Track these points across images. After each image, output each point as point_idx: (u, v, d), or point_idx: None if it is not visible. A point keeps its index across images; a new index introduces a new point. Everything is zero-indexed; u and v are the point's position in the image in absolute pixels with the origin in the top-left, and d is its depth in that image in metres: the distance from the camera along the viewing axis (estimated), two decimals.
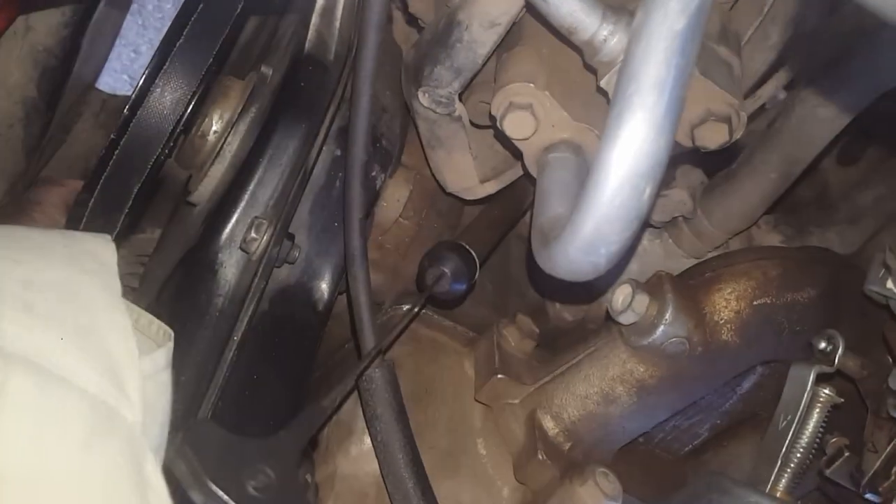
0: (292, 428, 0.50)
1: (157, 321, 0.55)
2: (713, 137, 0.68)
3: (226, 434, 0.46)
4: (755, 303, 0.75)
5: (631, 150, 0.52)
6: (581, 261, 0.58)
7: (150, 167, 0.66)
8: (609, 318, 0.77)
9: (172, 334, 0.55)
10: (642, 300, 0.73)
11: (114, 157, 0.65)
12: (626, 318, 0.74)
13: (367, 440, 0.76)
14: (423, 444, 0.74)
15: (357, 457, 0.78)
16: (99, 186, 0.66)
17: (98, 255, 0.52)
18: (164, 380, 0.53)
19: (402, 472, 0.71)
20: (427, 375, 0.84)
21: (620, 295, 0.74)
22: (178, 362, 0.69)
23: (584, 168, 0.72)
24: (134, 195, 0.67)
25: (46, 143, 1.12)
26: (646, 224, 0.56)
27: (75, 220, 0.69)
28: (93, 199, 0.67)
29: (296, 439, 0.49)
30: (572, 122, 0.72)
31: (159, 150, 0.67)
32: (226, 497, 0.42)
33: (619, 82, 0.52)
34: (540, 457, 0.75)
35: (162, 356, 0.52)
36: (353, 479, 0.77)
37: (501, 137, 0.80)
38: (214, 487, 0.42)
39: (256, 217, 0.74)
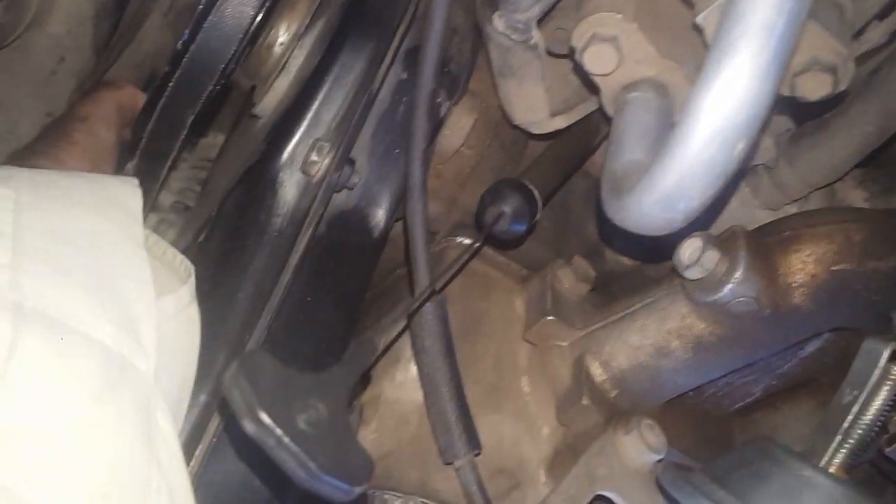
0: (345, 363, 0.50)
1: (180, 256, 0.55)
2: (815, 88, 0.63)
3: (280, 366, 0.45)
4: (833, 268, 0.71)
5: (728, 98, 0.48)
6: (655, 216, 0.55)
7: (215, 82, 0.64)
8: (673, 270, 0.74)
9: (193, 269, 0.55)
10: (712, 256, 0.69)
11: (179, 70, 0.64)
12: (692, 273, 0.71)
13: (413, 368, 0.77)
14: (468, 378, 0.74)
15: (402, 383, 0.78)
16: (161, 103, 0.65)
17: (124, 202, 0.52)
18: (192, 314, 0.53)
19: (445, 405, 0.71)
20: (477, 310, 0.83)
21: (689, 248, 0.71)
22: (237, 278, 0.70)
23: (667, 111, 0.68)
24: (199, 110, 0.66)
25: (115, 43, 1.11)
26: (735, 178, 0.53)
27: (138, 128, 0.69)
28: (154, 116, 0.66)
29: (348, 375, 0.49)
30: (659, 59, 0.68)
31: (225, 64, 0.64)
32: (278, 430, 0.42)
33: (723, 23, 0.48)
34: (584, 402, 0.74)
35: (186, 293, 0.52)
36: (396, 404, 0.78)
37: (579, 70, 0.75)
38: (266, 419, 0.42)
39: (318, 139, 0.72)
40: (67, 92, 1.08)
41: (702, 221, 0.59)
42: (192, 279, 0.54)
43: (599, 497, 0.69)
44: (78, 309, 0.43)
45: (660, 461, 0.71)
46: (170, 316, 0.50)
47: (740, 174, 0.82)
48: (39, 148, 0.79)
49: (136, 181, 0.54)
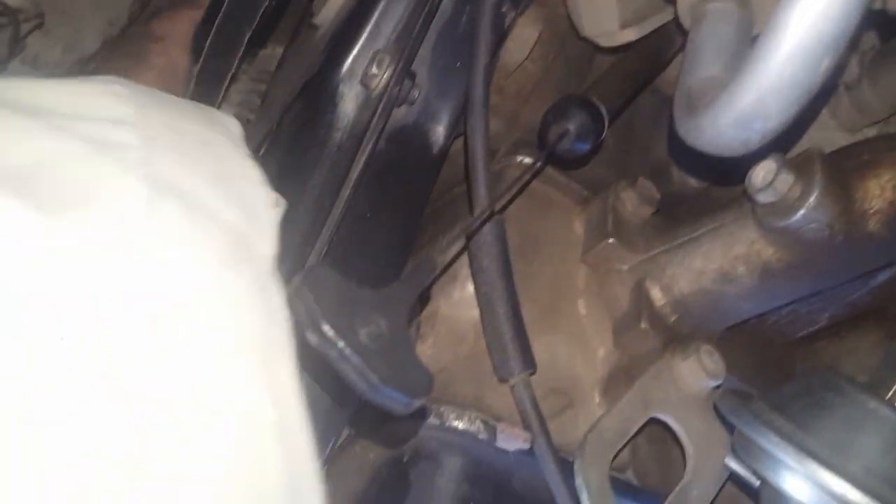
0: (404, 281, 0.50)
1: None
2: None
3: (342, 280, 0.46)
4: None
5: (815, 11, 0.45)
6: (731, 136, 0.52)
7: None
8: (743, 194, 0.71)
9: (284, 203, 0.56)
10: (786, 179, 0.66)
11: None
12: (763, 197, 0.68)
13: (470, 287, 0.77)
14: (524, 297, 0.74)
15: (458, 301, 0.79)
16: (218, 21, 0.64)
17: (226, 124, 0.53)
18: None
19: (501, 324, 0.71)
20: (535, 230, 0.82)
21: (762, 171, 0.68)
22: (297, 193, 0.71)
23: (748, 24, 0.64)
24: (258, 17, 0.65)
25: None
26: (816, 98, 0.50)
27: (198, 40, 0.68)
28: (212, 33, 0.65)
29: (408, 292, 0.49)
30: None
31: None
32: (340, 342, 0.43)
33: None
34: (643, 326, 0.73)
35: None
36: (453, 321, 0.78)
37: None
38: (329, 331, 0.43)
39: (378, 51, 0.70)
40: (128, 0, 1.08)
41: (777, 143, 0.56)
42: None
43: (655, 421, 0.69)
44: (205, 190, 0.45)
45: (718, 388, 0.70)
46: None
47: (823, 94, 0.78)
48: (116, 65, 0.80)
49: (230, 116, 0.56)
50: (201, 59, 0.69)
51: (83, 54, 1.03)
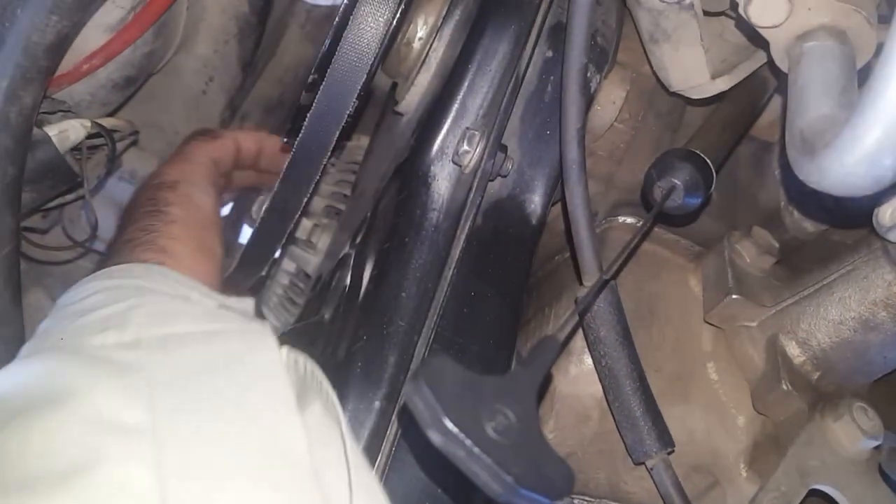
0: (527, 363, 0.47)
1: (307, 361, 0.53)
2: None
3: (461, 370, 0.43)
4: None
5: None
6: (860, 174, 0.48)
7: (362, 86, 0.64)
8: (871, 233, 0.66)
9: (327, 387, 0.53)
10: None
11: (323, 81, 0.64)
12: (895, 236, 0.63)
13: (587, 360, 0.73)
14: (647, 367, 0.69)
15: (577, 377, 0.75)
16: (311, 110, 0.65)
17: (269, 376, 0.50)
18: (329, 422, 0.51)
19: (629, 398, 0.67)
20: (649, 293, 0.78)
21: (890, 207, 0.63)
22: (399, 278, 0.70)
23: (850, 58, 0.60)
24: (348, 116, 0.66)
25: (258, 58, 1.16)
26: None
27: (292, 133, 0.70)
28: (306, 124, 0.66)
29: (532, 375, 0.46)
30: (835, 4, 0.60)
31: (370, 67, 0.64)
32: (467, 440, 0.40)
33: None
34: (784, 387, 0.67)
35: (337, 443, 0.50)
36: (573, 399, 0.74)
37: (742, 26, 0.68)
38: (454, 428, 0.40)
39: (468, 128, 0.70)
40: (218, 109, 1.13)
41: None
42: (329, 391, 0.52)
43: (814, 492, 0.62)
44: None
45: (878, 447, 0.63)
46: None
47: None
48: (142, 238, 0.71)
49: (274, 343, 0.51)
50: (286, 165, 0.71)
51: None
